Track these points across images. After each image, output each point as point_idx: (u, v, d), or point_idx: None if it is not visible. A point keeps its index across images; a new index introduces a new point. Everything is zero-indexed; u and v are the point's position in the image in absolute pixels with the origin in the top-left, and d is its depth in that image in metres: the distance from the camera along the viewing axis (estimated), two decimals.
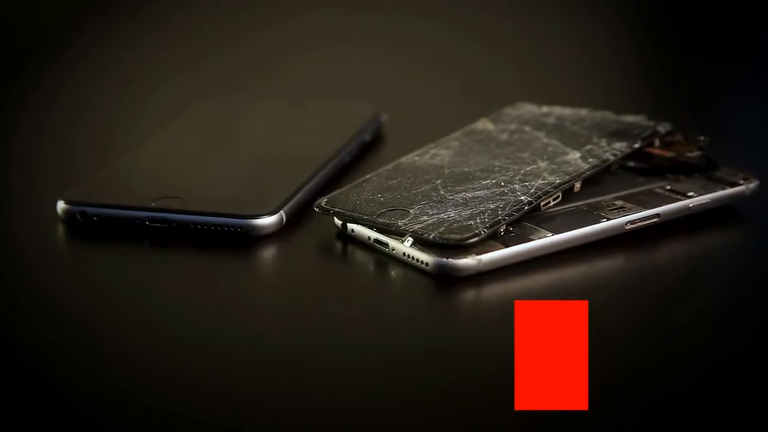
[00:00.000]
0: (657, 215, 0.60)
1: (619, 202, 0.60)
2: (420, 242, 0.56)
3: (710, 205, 0.61)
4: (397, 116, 0.77)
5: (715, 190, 0.62)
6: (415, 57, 0.94)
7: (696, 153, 0.64)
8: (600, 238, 0.58)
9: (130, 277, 0.57)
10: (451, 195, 0.59)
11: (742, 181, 0.62)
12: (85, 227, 0.60)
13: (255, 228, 0.59)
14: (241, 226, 0.59)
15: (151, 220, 0.60)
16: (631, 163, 0.65)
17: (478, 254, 0.55)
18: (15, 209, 0.65)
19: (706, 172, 0.64)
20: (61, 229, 0.61)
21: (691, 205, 0.61)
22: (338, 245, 0.59)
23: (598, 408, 0.46)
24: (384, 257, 0.57)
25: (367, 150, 0.72)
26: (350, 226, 0.59)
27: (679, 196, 0.61)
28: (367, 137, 0.73)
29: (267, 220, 0.59)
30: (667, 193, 0.62)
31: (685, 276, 0.58)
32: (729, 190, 0.62)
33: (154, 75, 0.89)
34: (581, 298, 0.54)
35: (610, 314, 0.53)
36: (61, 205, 0.61)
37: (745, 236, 0.62)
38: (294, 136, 0.72)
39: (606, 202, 0.61)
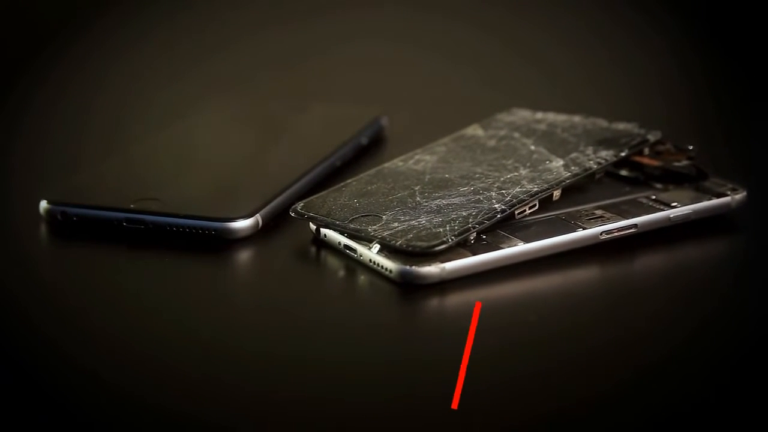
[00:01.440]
0: (634, 225, 0.58)
1: (599, 212, 0.59)
2: (387, 249, 0.55)
3: (693, 216, 0.60)
4: (401, 119, 0.77)
5: (699, 201, 0.60)
6: (425, 58, 0.93)
7: (685, 162, 0.63)
8: (574, 247, 0.57)
9: (99, 278, 0.57)
10: (427, 202, 0.58)
11: (728, 192, 0.61)
12: (65, 227, 0.61)
13: (229, 231, 0.59)
14: (215, 229, 0.59)
15: (128, 221, 0.60)
16: (624, 172, 0.64)
17: (443, 262, 0.54)
18: (16, 208, 0.66)
19: (695, 182, 0.62)
20: (43, 228, 0.61)
21: (671, 216, 0.59)
22: (312, 250, 0.59)
23: (582, 424, 0.46)
24: (353, 263, 0.57)
25: (364, 153, 0.72)
26: (323, 230, 0.59)
27: (661, 207, 0.60)
28: (365, 141, 0.73)
29: (241, 224, 0.59)
30: (650, 203, 0.60)
31: (659, 288, 0.57)
32: (713, 201, 0.60)
33: (159, 76, 0.90)
34: (543, 307, 0.54)
35: (582, 326, 0.53)
36: (43, 205, 0.61)
37: (732, 248, 0.61)
38: (287, 138, 0.72)
39: (586, 211, 0.59)
